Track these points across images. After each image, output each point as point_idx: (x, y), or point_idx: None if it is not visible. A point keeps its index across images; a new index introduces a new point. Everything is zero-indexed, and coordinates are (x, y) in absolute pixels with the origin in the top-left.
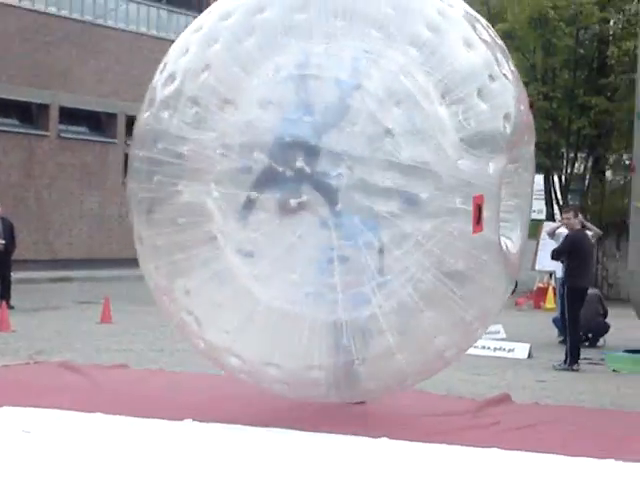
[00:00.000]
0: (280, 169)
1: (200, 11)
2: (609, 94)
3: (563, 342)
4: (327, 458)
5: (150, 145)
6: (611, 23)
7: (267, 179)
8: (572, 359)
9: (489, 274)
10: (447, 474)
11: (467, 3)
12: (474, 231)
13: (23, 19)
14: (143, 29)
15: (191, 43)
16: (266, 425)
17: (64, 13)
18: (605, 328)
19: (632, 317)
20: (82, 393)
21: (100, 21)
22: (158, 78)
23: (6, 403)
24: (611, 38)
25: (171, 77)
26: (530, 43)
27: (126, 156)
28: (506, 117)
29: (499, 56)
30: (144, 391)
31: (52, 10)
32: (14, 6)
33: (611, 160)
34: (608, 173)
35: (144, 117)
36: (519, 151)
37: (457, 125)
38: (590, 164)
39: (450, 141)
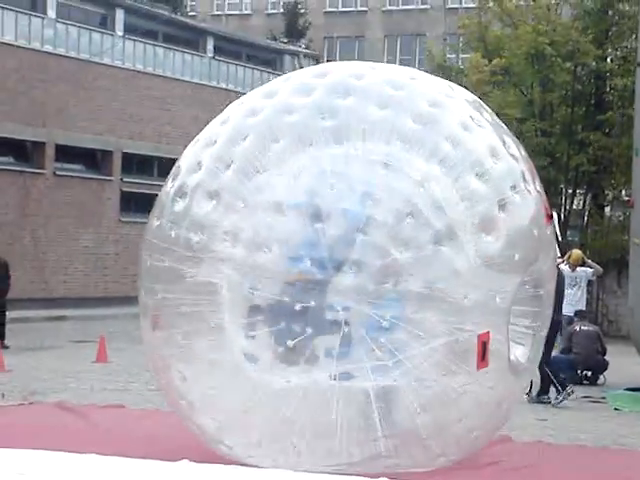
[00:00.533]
0: (286, 301)
1: (196, 47)
2: (607, 130)
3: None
4: None
5: (157, 256)
6: (608, 60)
7: (272, 311)
8: (560, 387)
9: (496, 390)
10: None
11: (465, 39)
12: (478, 367)
13: (19, 57)
14: (139, 66)
15: (204, 158)
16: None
17: (60, 51)
18: (604, 366)
19: (633, 354)
20: (78, 434)
21: (96, 59)
22: (171, 185)
23: (0, 445)
24: (608, 74)
25: (181, 191)
26: (528, 79)
27: (122, 193)
28: (517, 243)
29: (519, 175)
30: (140, 431)
31: (48, 48)
32: (10, 44)
33: (610, 196)
34: (607, 209)
35: (154, 225)
36: (536, 267)
37: (470, 250)
38: (589, 200)
39: (462, 266)
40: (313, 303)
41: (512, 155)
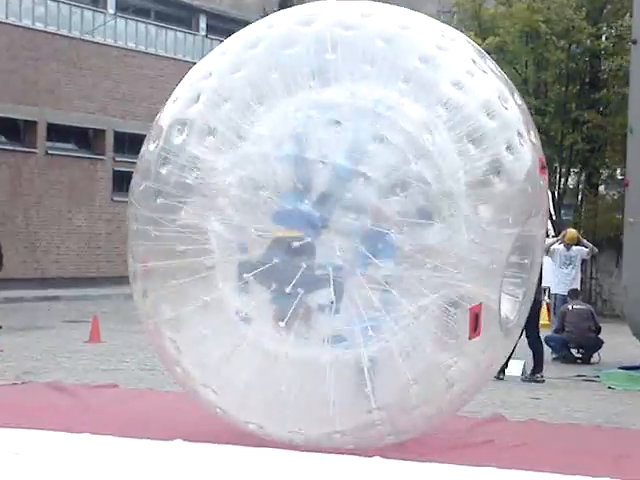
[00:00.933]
0: (275, 260)
1: (189, 25)
2: (601, 108)
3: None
4: (320, 478)
5: (143, 219)
6: (603, 38)
7: (263, 271)
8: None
9: (487, 354)
10: None
11: (459, 17)
12: (469, 337)
13: (10, 35)
14: (131, 45)
15: (188, 118)
16: (257, 445)
17: (51, 29)
18: (598, 344)
19: (627, 333)
20: (70, 413)
21: (88, 37)
22: (154, 146)
23: None
24: (603, 53)
25: (165, 153)
26: (522, 57)
27: (114, 172)
28: (511, 205)
29: (514, 132)
30: (133, 411)
31: (39, 26)
32: (1, 22)
33: (604, 175)
34: (601, 188)
35: (139, 188)
36: (530, 220)
37: (464, 210)
38: (583, 179)
39: (455, 225)
40: (303, 263)
41: (507, 109)
